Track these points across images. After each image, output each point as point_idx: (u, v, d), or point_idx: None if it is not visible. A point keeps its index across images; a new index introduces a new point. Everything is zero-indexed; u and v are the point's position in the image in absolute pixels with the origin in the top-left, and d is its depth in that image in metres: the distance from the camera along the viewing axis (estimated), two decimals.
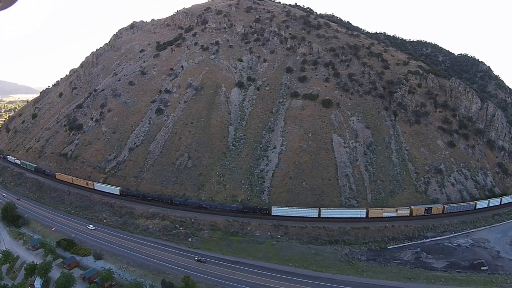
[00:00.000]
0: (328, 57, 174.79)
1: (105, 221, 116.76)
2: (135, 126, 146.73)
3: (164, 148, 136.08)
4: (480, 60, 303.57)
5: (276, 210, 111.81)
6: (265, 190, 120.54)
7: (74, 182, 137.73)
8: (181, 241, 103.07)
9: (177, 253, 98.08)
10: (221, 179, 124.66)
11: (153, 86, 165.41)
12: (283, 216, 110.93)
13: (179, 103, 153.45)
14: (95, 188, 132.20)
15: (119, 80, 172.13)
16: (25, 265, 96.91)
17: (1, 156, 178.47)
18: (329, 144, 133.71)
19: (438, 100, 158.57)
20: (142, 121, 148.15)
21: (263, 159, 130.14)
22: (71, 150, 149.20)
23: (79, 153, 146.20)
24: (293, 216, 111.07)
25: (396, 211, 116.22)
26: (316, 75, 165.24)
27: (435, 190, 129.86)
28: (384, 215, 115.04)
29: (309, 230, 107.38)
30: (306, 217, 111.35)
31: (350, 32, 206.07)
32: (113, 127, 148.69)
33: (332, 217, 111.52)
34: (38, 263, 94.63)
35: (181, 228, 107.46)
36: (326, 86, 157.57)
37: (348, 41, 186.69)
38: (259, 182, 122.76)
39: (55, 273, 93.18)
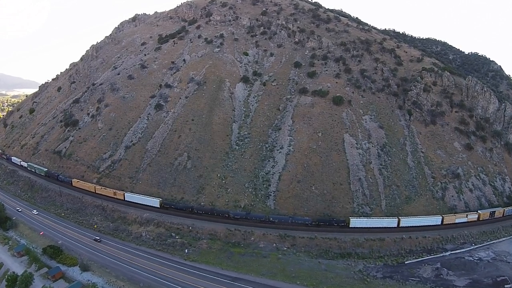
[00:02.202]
0: (339, 52, 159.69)
1: (95, 226, 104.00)
2: (132, 123, 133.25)
3: (162, 146, 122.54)
4: (491, 59, 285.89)
5: (355, 222, 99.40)
6: (270, 195, 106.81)
7: (97, 192, 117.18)
8: (176, 252, 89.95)
9: (172, 266, 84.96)
10: (223, 181, 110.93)
11: (153, 80, 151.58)
12: (361, 228, 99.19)
13: (180, 98, 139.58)
14: (125, 199, 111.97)
15: (118, 74, 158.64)
16: (7, 275, 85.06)
17: (5, 157, 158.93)
18: (341, 144, 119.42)
19: (454, 99, 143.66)
20: (140, 117, 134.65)
21: (269, 160, 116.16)
22: (65, 147, 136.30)
23: (73, 150, 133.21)
24: (371, 228, 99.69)
25: (467, 216, 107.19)
26: (326, 70, 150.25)
27: (452, 196, 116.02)
28: (457, 221, 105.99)
29: (319, 241, 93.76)
30: (385, 227, 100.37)
31: (361, 26, 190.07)
32: (109, 124, 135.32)
33: (410, 226, 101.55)
34: (20, 274, 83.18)
35: (177, 237, 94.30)
36: (336, 82, 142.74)
37: (360, 36, 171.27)
38: (264, 185, 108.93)
39: (38, 284, 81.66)
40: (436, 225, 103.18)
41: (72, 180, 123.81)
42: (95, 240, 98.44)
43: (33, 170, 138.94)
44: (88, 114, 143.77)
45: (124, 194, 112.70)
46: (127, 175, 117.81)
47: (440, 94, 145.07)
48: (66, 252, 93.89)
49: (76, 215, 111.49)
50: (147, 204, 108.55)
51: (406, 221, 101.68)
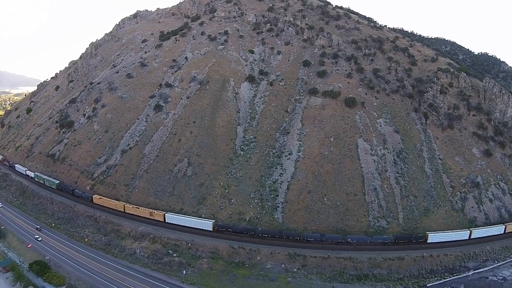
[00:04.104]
0: (350, 50, 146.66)
1: (86, 239, 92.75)
2: (130, 125, 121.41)
3: (161, 151, 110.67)
4: (501, 59, 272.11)
5: (433, 237, 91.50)
6: (278, 206, 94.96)
7: (126, 211, 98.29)
8: (173, 273, 78.45)
9: None
10: (226, 191, 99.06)
11: (153, 79, 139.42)
12: (439, 242, 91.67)
13: (181, 99, 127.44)
14: (166, 221, 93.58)
15: (117, 73, 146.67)
16: None
17: (7, 164, 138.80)
18: (354, 150, 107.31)
19: (471, 102, 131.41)
20: (138, 119, 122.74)
21: (276, 168, 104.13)
22: (59, 150, 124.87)
23: (68, 154, 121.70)
24: (446, 242, 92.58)
25: None
26: (337, 69, 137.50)
27: (472, 207, 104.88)
28: None
29: (333, 261, 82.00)
30: (457, 240, 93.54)
31: (372, 24, 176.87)
32: (106, 125, 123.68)
33: (480, 237, 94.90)
34: None
35: (174, 255, 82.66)
36: (348, 83, 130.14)
37: (371, 34, 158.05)
38: (272, 196, 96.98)
39: None
40: (500, 234, 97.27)
41: (93, 196, 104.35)
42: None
43: (41, 181, 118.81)
44: (84, 115, 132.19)
45: (164, 215, 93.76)
46: (123, 182, 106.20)
47: (457, 96, 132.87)
48: (54, 269, 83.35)
49: (67, 226, 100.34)
50: (196, 227, 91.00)
51: (477, 233, 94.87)
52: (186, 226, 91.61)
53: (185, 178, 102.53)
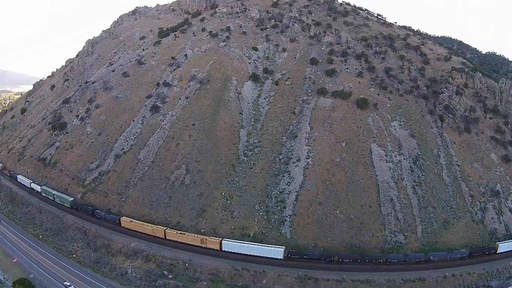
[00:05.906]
0: (360, 47, 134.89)
1: (74, 255, 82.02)
2: (125, 127, 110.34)
3: (157, 156, 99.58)
4: (509, 59, 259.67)
5: (502, 247, 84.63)
6: (286, 220, 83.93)
7: (167, 237, 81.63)
8: None
9: None
10: (228, 202, 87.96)
11: (151, 78, 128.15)
12: (506, 252, 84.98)
13: (180, 99, 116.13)
14: (223, 249, 78.31)
15: (113, 71, 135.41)
16: None
17: (7, 174, 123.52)
18: (368, 157, 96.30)
19: (488, 104, 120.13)
20: (134, 121, 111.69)
21: (283, 176, 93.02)
22: (50, 154, 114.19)
23: (59, 158, 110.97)
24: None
25: None
26: (347, 68, 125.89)
27: (492, 218, 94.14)
28: None
29: (348, 284, 71.24)
30: None
31: (382, 20, 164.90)
32: (99, 128, 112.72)
33: None
34: None
35: (170, 276, 71.74)
36: (359, 82, 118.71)
37: (381, 31, 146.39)
38: (278, 208, 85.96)
39: None
40: None
41: (121, 219, 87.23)
42: None
43: (50, 197, 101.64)
44: (77, 116, 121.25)
45: (221, 242, 78.06)
46: (115, 190, 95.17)
47: (473, 98, 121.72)
48: None
49: (55, 239, 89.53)
50: (263, 255, 75.75)
51: None
52: (248, 255, 76.53)
53: (183, 187, 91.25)
